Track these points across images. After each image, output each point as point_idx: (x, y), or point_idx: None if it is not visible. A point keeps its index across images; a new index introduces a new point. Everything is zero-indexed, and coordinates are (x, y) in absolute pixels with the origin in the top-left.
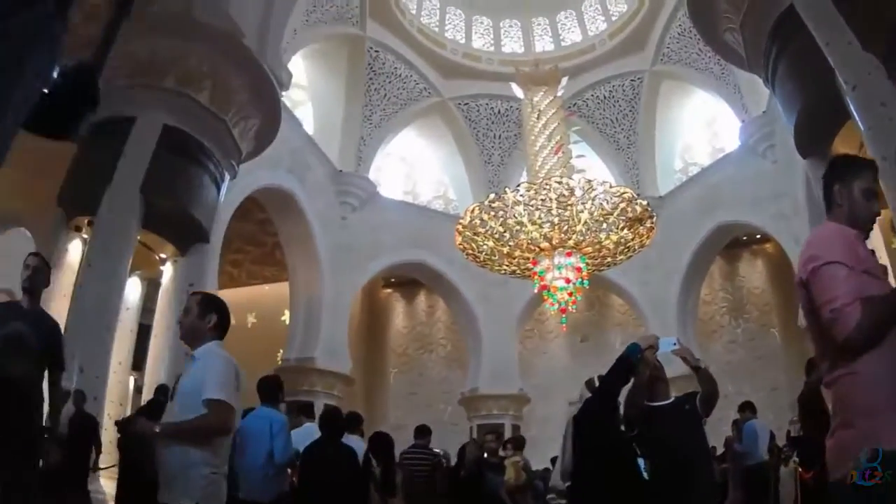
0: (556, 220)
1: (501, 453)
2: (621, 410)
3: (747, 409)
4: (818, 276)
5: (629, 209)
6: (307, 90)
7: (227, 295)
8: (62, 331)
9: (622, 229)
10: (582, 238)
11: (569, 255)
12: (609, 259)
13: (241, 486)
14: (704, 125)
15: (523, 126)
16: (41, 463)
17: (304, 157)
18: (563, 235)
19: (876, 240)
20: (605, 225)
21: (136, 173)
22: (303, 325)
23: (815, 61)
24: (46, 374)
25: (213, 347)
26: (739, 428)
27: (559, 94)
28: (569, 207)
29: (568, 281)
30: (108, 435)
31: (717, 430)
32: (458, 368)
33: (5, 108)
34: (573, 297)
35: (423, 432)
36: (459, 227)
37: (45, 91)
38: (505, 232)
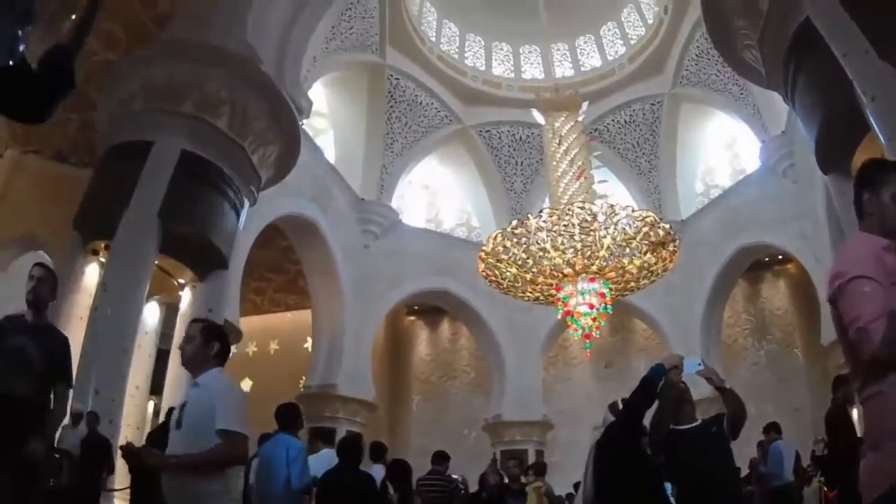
0: (578, 245)
1: (523, 479)
2: (647, 433)
3: (772, 429)
4: (844, 292)
5: (652, 233)
6: (328, 118)
7: (250, 322)
8: (70, 347)
9: (645, 254)
10: (605, 263)
11: (592, 280)
12: (632, 284)
13: None
14: (724, 147)
15: (545, 152)
16: (52, 482)
17: (326, 185)
18: (586, 261)
19: None
20: (627, 250)
21: (154, 198)
22: (325, 352)
23: (834, 73)
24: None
25: (217, 374)
26: (765, 449)
27: (580, 119)
28: (591, 233)
29: (591, 306)
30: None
31: (741, 451)
32: (482, 395)
33: None
34: (597, 323)
35: (440, 458)
36: (482, 254)
37: (21, 73)
38: (528, 258)
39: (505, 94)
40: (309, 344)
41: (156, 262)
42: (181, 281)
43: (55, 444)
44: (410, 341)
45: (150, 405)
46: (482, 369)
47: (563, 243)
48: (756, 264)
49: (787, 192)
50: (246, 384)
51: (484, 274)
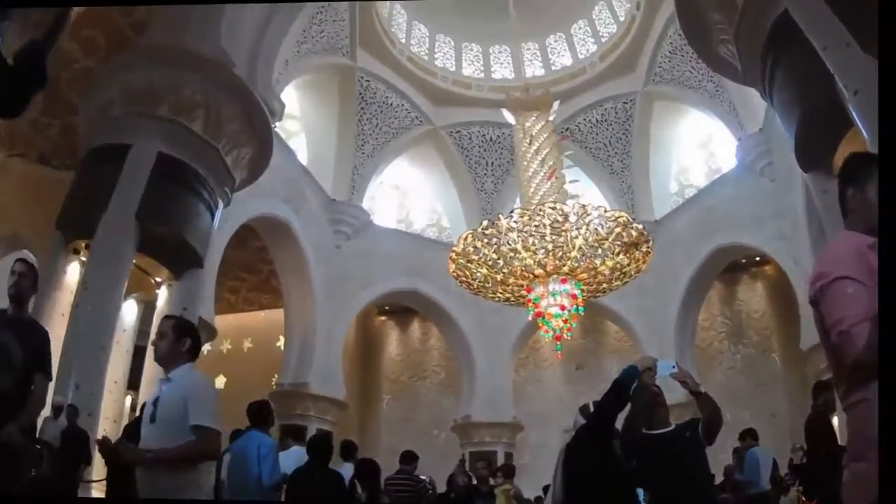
0: (550, 246)
1: (492, 481)
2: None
3: (748, 436)
4: (827, 294)
5: (624, 234)
6: (300, 121)
7: (225, 320)
8: (50, 340)
9: (618, 254)
10: (577, 264)
11: (563, 281)
12: (604, 285)
13: None
14: (699, 146)
15: (515, 152)
16: (34, 472)
17: (298, 186)
18: (557, 262)
19: None
20: (600, 250)
21: (132, 199)
22: (297, 350)
23: (814, 68)
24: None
25: (189, 370)
26: (740, 456)
27: (551, 118)
28: (563, 233)
29: (563, 308)
30: None
31: (716, 458)
32: (452, 395)
33: None
34: (568, 325)
35: (409, 458)
36: (453, 254)
37: None
38: (499, 259)
39: (475, 94)
40: (282, 343)
41: (134, 261)
42: (158, 279)
43: (38, 436)
44: (381, 341)
45: (128, 400)
46: (452, 370)
47: (534, 244)
48: (732, 266)
49: (764, 191)
50: (220, 381)
51: (454, 274)
